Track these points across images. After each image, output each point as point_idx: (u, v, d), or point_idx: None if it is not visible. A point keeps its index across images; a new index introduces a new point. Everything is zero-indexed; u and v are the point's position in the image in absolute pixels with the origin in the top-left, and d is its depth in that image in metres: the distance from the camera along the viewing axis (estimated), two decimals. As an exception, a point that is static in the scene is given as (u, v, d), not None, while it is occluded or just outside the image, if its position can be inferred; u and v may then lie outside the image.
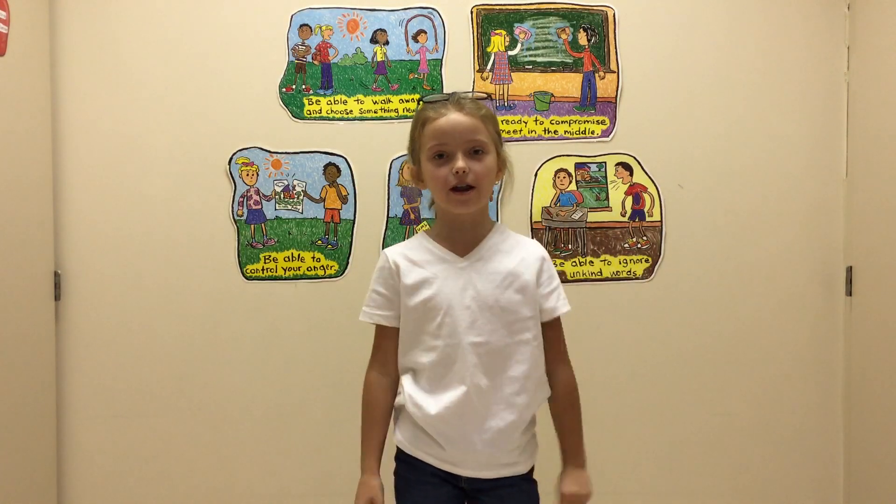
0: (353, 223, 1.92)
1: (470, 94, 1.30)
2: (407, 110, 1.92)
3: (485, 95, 1.38)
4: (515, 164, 1.35)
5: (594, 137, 1.94)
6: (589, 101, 1.93)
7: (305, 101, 1.91)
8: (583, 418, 1.33)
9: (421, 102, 1.34)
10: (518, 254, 1.30)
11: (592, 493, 1.30)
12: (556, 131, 1.93)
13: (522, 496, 1.30)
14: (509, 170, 1.35)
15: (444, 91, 1.79)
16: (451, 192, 1.25)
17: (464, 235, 1.31)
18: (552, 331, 1.32)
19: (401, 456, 1.33)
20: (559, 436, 1.32)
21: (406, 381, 1.30)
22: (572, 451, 1.31)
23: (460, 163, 1.23)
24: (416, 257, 1.31)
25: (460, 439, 1.25)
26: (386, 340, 1.33)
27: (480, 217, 1.31)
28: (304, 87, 1.91)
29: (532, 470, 1.33)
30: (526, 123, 1.92)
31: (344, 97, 1.92)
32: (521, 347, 1.27)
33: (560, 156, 1.93)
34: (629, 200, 1.94)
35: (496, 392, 1.25)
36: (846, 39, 1.94)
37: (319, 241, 1.92)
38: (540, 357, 1.30)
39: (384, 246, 1.91)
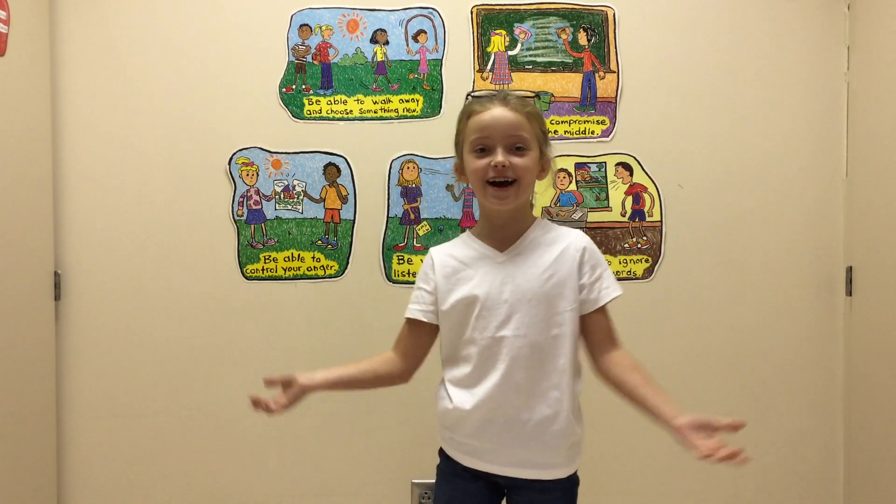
0: (353, 223, 1.92)
1: (517, 92, 1.30)
2: (407, 110, 1.91)
3: (532, 94, 1.35)
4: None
5: (594, 137, 1.94)
6: (589, 101, 1.93)
7: (305, 101, 1.91)
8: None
9: (469, 97, 1.34)
10: (559, 246, 1.28)
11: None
12: (556, 131, 1.93)
13: (557, 503, 1.26)
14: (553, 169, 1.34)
15: (445, 88, 1.78)
16: (488, 185, 1.24)
17: (504, 231, 1.30)
18: (600, 320, 1.27)
19: (442, 451, 1.36)
20: (641, 396, 1.18)
21: (446, 378, 1.32)
22: (665, 401, 1.15)
23: (500, 157, 1.22)
24: (459, 254, 1.32)
25: (496, 435, 1.24)
26: (411, 335, 1.34)
27: (520, 213, 1.30)
28: (304, 87, 1.91)
29: (572, 476, 1.30)
30: (526, 123, 1.92)
31: (344, 97, 1.91)
32: (559, 341, 1.24)
33: (560, 156, 1.92)
34: (629, 200, 1.94)
35: (533, 387, 1.24)
36: (846, 39, 1.94)
37: (319, 241, 1.92)
38: (575, 350, 1.27)
39: (384, 246, 1.92)
